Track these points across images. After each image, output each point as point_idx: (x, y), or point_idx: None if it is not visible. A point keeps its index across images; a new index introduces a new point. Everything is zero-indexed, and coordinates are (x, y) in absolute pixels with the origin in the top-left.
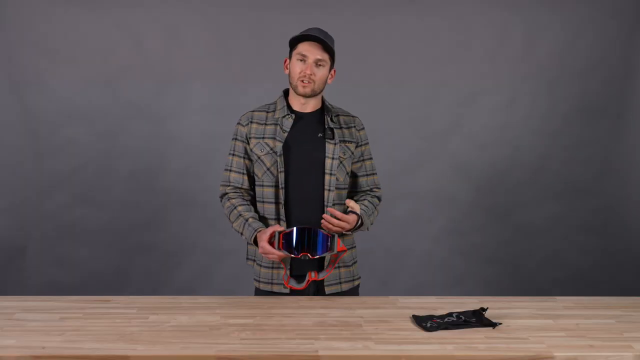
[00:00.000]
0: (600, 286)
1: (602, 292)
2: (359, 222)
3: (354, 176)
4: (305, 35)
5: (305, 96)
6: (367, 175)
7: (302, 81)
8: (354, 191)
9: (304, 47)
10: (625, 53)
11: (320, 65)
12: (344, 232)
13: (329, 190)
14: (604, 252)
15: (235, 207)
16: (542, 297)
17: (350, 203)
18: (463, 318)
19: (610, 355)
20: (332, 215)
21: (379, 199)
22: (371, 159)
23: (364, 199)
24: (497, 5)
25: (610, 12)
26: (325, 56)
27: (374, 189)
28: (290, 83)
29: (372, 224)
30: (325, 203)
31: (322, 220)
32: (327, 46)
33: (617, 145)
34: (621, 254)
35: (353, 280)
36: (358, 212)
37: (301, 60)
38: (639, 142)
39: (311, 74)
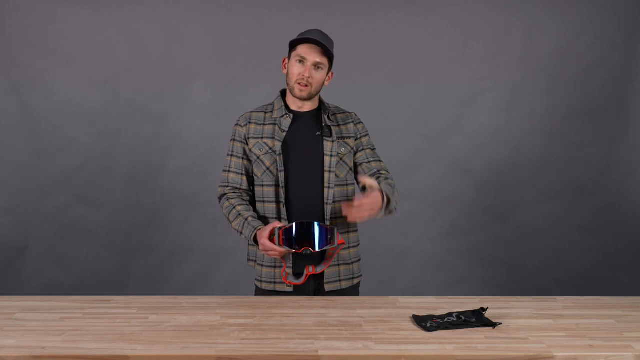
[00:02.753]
0: (600, 286)
1: (602, 292)
2: (386, 198)
3: (357, 164)
4: (305, 38)
5: (302, 99)
6: (368, 161)
7: (299, 84)
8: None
9: (303, 50)
10: (625, 53)
11: (318, 68)
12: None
13: (329, 187)
14: (604, 252)
15: (234, 207)
16: (542, 297)
17: (366, 180)
18: (463, 318)
19: (610, 355)
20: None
21: (392, 180)
22: (373, 148)
23: (379, 181)
24: (497, 5)
25: (610, 12)
26: (324, 60)
27: (383, 173)
28: (288, 84)
29: (397, 204)
30: (325, 200)
31: (350, 211)
32: (326, 50)
33: (617, 145)
34: (621, 254)
35: (353, 278)
36: (376, 186)
37: (300, 62)
38: (639, 142)
39: (309, 77)
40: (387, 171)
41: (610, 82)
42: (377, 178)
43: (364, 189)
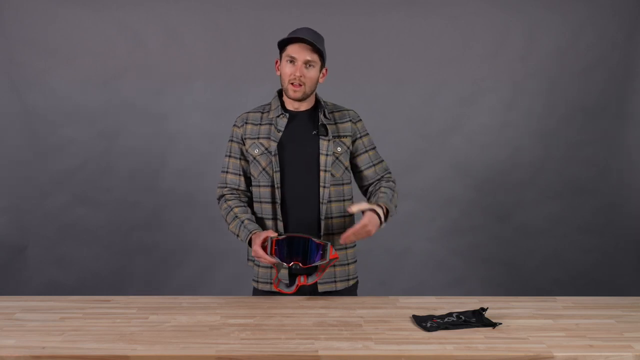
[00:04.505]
0: (600, 286)
1: (602, 292)
2: (384, 212)
3: (361, 170)
4: (292, 37)
5: (297, 100)
6: (373, 165)
7: (293, 84)
8: (367, 183)
9: (292, 49)
10: (625, 53)
11: (310, 66)
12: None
13: (324, 187)
14: (604, 252)
15: (231, 209)
16: (542, 297)
17: (353, 208)
18: (463, 318)
19: (610, 355)
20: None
21: (393, 181)
22: (374, 148)
23: (379, 187)
24: (497, 5)
25: (610, 12)
26: (315, 57)
27: (385, 176)
28: (282, 86)
29: (396, 207)
30: (321, 200)
31: (344, 237)
32: (315, 47)
33: (617, 145)
34: (621, 254)
35: (348, 279)
36: (366, 207)
37: (290, 62)
38: (639, 142)
39: (301, 76)
40: (389, 172)
41: (610, 82)
42: (377, 183)
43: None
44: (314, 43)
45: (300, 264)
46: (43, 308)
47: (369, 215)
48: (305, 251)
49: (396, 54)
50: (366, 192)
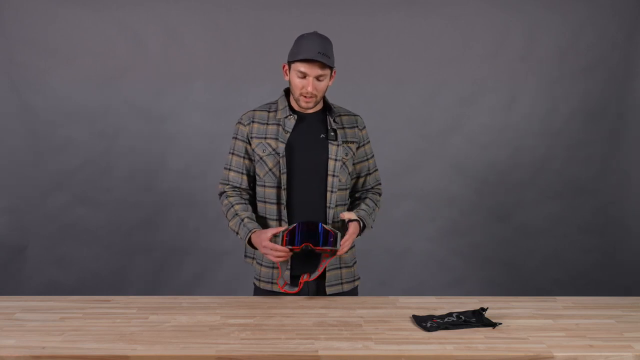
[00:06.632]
0: (600, 286)
1: (602, 292)
2: (362, 225)
3: (358, 176)
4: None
5: (309, 108)
6: (369, 174)
7: (305, 96)
8: (357, 190)
9: (303, 66)
10: (625, 53)
11: (320, 79)
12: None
13: (332, 191)
14: (604, 252)
15: (232, 206)
16: (542, 297)
17: (345, 215)
18: (463, 318)
19: (610, 355)
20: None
21: (380, 194)
22: (373, 156)
23: (365, 198)
24: (497, 5)
25: (610, 12)
26: (326, 70)
27: (376, 186)
28: (292, 94)
29: (374, 220)
30: (328, 204)
31: (345, 248)
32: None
33: (617, 145)
34: (621, 254)
35: (354, 280)
36: (355, 217)
37: (302, 77)
38: (639, 142)
39: (313, 90)
40: (379, 182)
41: (610, 82)
42: (364, 193)
43: (343, 221)
44: (325, 62)
45: (311, 245)
46: (43, 308)
47: (356, 225)
48: (314, 235)
49: (396, 54)
50: (351, 197)
